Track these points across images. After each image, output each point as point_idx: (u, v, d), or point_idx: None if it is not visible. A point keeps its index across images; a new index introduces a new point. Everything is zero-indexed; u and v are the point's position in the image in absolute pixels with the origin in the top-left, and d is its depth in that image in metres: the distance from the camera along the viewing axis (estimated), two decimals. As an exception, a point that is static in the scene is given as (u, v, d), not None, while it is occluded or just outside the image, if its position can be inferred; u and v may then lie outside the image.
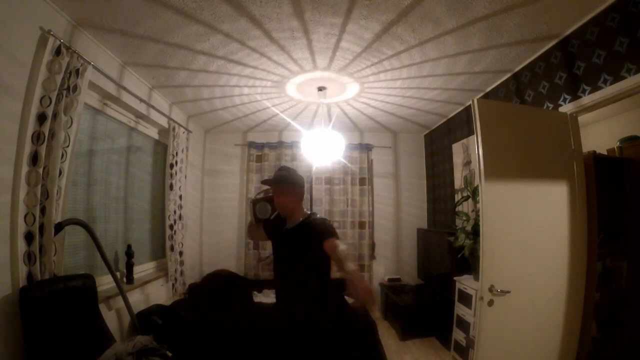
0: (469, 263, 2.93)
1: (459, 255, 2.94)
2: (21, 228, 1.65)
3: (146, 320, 2.56)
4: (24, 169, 1.68)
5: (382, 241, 4.53)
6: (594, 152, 2.36)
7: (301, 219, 1.81)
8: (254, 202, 1.95)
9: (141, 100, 2.76)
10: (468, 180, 3.39)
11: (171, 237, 3.29)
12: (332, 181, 4.50)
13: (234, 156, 4.65)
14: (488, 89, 3.06)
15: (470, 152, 3.41)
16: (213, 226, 4.54)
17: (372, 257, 4.47)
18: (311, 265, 1.67)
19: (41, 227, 1.74)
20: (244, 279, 4.22)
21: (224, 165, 4.64)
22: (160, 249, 3.49)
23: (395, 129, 4.58)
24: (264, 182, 1.97)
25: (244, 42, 2.29)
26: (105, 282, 2.47)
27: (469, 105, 3.29)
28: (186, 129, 3.64)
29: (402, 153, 4.75)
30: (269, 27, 2.12)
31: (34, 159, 1.71)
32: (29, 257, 1.69)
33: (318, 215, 1.90)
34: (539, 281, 1.94)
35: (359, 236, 4.41)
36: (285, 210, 1.84)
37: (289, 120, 4.01)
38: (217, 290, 3.66)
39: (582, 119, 2.14)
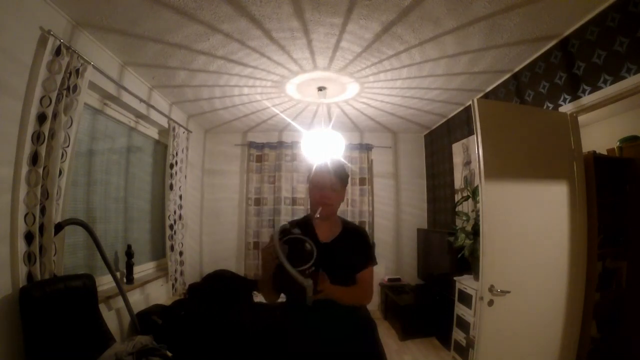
0: (468, 263, 2.93)
1: (459, 255, 2.95)
2: (21, 228, 1.65)
3: (146, 320, 2.56)
4: (24, 169, 1.68)
5: (382, 241, 4.53)
6: (594, 152, 2.36)
7: (342, 225, 1.50)
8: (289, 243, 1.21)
9: (141, 100, 2.76)
10: (468, 180, 3.39)
11: (171, 237, 3.29)
12: (332, 181, 4.50)
13: (234, 156, 4.66)
14: (488, 89, 3.06)
15: (470, 152, 3.41)
16: (213, 226, 4.54)
17: (372, 257, 4.47)
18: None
19: (41, 227, 1.74)
20: (244, 279, 4.22)
21: (224, 165, 4.64)
22: (160, 249, 3.49)
23: (395, 129, 4.58)
24: (316, 172, 1.46)
25: (244, 42, 2.29)
26: (105, 282, 2.47)
27: (469, 105, 3.29)
28: (186, 129, 3.64)
29: (402, 153, 4.75)
30: (269, 27, 2.12)
31: (34, 159, 1.71)
32: (29, 257, 1.69)
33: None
34: (539, 281, 1.94)
35: (359, 236, 4.41)
36: (331, 212, 1.45)
37: (289, 120, 4.01)
38: (217, 290, 3.66)
39: (582, 119, 2.14)
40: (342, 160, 1.56)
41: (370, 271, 1.44)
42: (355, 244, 1.46)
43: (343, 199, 1.52)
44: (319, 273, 1.21)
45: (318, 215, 1.41)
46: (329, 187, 1.43)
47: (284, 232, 1.26)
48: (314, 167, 1.52)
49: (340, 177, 1.46)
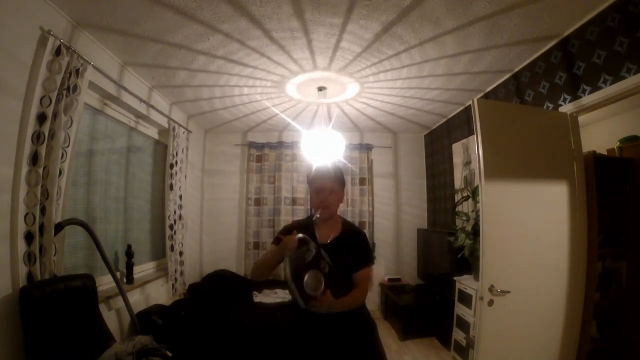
0: (469, 263, 2.93)
1: (459, 255, 2.94)
2: (21, 228, 1.65)
3: (146, 320, 2.56)
4: (24, 169, 1.68)
5: (382, 241, 4.53)
6: (594, 152, 2.36)
7: (341, 226, 1.54)
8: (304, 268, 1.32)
9: (141, 100, 2.76)
10: (468, 180, 3.39)
11: (171, 237, 3.29)
12: (332, 181, 4.50)
13: (234, 156, 4.66)
14: (488, 89, 3.06)
15: (470, 152, 3.41)
16: (213, 226, 4.54)
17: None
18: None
19: (41, 227, 1.74)
20: (244, 279, 4.22)
21: (224, 165, 4.64)
22: (160, 249, 3.49)
23: (395, 129, 4.58)
24: (315, 175, 1.53)
25: (244, 42, 2.29)
26: (105, 282, 2.47)
27: (469, 105, 3.29)
28: (186, 129, 3.64)
29: (402, 153, 4.75)
30: (269, 27, 2.12)
31: (34, 159, 1.71)
32: (29, 257, 1.69)
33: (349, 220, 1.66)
34: (539, 281, 1.94)
35: (359, 236, 4.41)
36: (330, 214, 1.50)
37: (289, 120, 4.01)
38: (217, 290, 3.66)
39: (582, 119, 2.14)
40: (339, 160, 1.62)
41: (367, 271, 1.46)
42: (353, 245, 1.49)
43: (342, 200, 1.56)
44: (323, 296, 1.32)
45: (318, 217, 1.48)
46: (327, 191, 1.48)
47: (287, 232, 1.38)
48: (311, 171, 1.59)
49: (336, 180, 1.50)
